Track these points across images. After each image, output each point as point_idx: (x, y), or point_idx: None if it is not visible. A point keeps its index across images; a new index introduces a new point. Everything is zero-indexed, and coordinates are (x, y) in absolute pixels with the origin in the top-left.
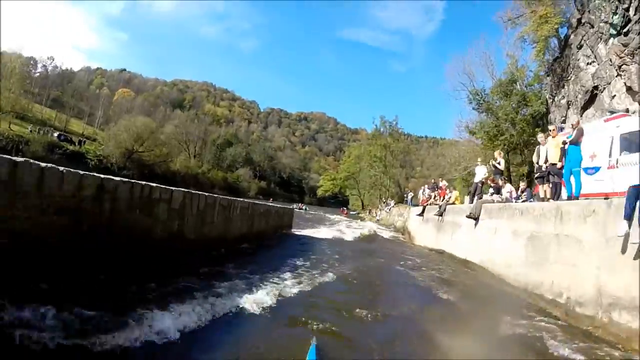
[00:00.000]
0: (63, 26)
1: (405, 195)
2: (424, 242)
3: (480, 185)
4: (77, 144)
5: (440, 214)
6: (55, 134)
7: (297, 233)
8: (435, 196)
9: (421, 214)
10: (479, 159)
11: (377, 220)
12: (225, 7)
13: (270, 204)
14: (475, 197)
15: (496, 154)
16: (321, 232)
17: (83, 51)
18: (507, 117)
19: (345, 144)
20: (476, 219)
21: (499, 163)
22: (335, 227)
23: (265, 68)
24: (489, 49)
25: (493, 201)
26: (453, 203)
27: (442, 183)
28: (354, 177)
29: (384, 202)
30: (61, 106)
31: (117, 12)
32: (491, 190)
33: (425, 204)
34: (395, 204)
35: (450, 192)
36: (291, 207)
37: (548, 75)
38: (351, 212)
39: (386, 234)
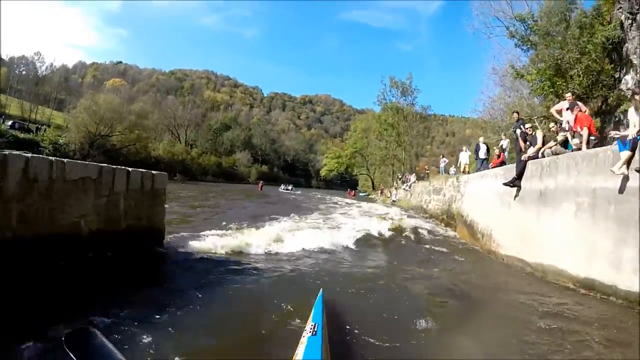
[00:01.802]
0: (62, 26)
1: (442, 163)
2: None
3: None
4: (34, 131)
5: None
6: (9, 122)
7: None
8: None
9: (515, 181)
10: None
11: (393, 202)
12: None
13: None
14: None
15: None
16: (287, 238)
17: (83, 49)
18: (576, 43)
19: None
20: None
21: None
22: (329, 217)
23: (269, 55)
24: None
25: None
26: None
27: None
28: (362, 153)
29: (399, 179)
30: (44, 100)
31: (116, 9)
32: None
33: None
34: (416, 180)
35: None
36: (279, 189)
37: None
38: (360, 194)
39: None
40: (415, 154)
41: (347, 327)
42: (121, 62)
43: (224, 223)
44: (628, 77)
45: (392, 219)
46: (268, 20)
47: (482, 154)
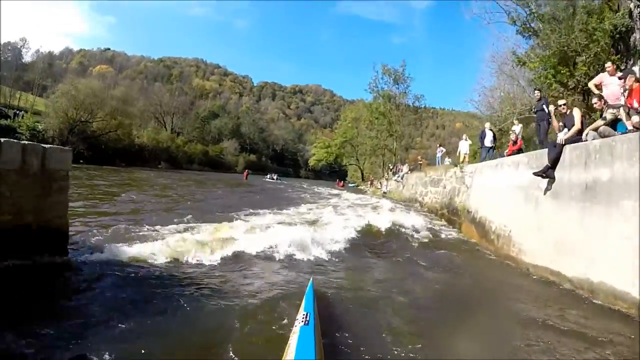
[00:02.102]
0: (50, 13)
1: (438, 153)
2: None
3: None
4: (12, 117)
5: None
6: None
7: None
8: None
9: (548, 170)
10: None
11: (384, 193)
12: None
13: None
14: None
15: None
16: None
17: (72, 37)
18: (584, 29)
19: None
20: None
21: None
22: (314, 211)
23: (260, 45)
24: None
25: None
26: None
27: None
28: (351, 143)
29: (390, 170)
30: (29, 87)
31: None
32: None
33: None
34: (409, 170)
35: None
36: (264, 178)
37: None
38: (349, 185)
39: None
40: (405, 147)
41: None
42: (109, 49)
43: (188, 217)
44: (635, 69)
45: (384, 212)
46: (260, 12)
47: (488, 141)
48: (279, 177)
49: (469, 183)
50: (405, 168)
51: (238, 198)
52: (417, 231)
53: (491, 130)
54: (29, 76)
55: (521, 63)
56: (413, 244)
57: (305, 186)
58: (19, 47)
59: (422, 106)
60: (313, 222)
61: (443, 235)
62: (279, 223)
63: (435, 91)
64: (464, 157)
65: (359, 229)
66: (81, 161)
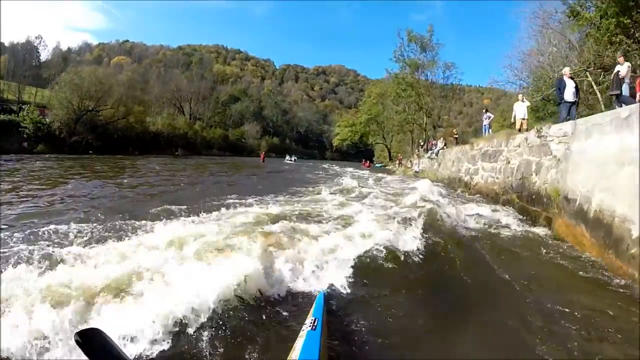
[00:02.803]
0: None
1: (485, 120)
2: None
3: None
4: (17, 111)
5: None
6: None
7: None
8: None
9: None
10: None
11: (416, 172)
12: None
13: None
14: None
15: None
16: None
17: (90, 32)
18: None
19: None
20: None
21: None
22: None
23: (280, 29)
24: None
25: None
26: None
27: None
28: (377, 120)
29: (422, 147)
30: (46, 83)
31: None
32: None
33: None
34: (445, 145)
35: None
36: (284, 160)
37: None
38: (376, 165)
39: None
40: (433, 124)
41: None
42: (127, 41)
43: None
44: None
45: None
46: None
47: (569, 94)
48: (297, 159)
49: (561, 153)
50: (440, 143)
51: (234, 182)
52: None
53: (572, 78)
54: (48, 72)
55: (574, 15)
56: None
57: (325, 166)
58: (35, 45)
59: (453, 76)
60: (324, 227)
61: (520, 242)
62: (238, 230)
63: (460, 68)
64: (521, 123)
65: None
66: (90, 152)
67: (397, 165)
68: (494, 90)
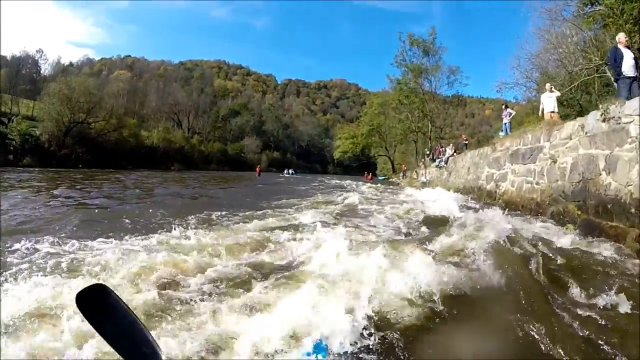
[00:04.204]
0: (70, 27)
1: (505, 117)
2: None
3: None
4: (6, 123)
5: None
6: None
7: None
8: None
9: None
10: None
11: (423, 183)
12: None
13: (286, 174)
14: None
15: None
16: None
17: (93, 47)
18: None
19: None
20: None
21: None
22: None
23: (281, 43)
24: None
25: None
26: None
27: None
28: (379, 131)
29: (427, 156)
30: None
31: (124, 5)
32: None
33: None
34: (455, 152)
35: None
36: (280, 174)
37: None
38: (379, 178)
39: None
40: (434, 136)
41: None
42: (129, 56)
43: None
44: None
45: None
46: (278, 10)
47: (628, 67)
48: (295, 173)
49: None
50: (449, 150)
51: (212, 197)
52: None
53: (628, 47)
54: (46, 86)
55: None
56: None
57: (326, 180)
58: (36, 59)
59: (458, 81)
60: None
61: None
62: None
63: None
64: (550, 117)
65: None
66: (80, 165)
67: (401, 177)
68: (495, 101)
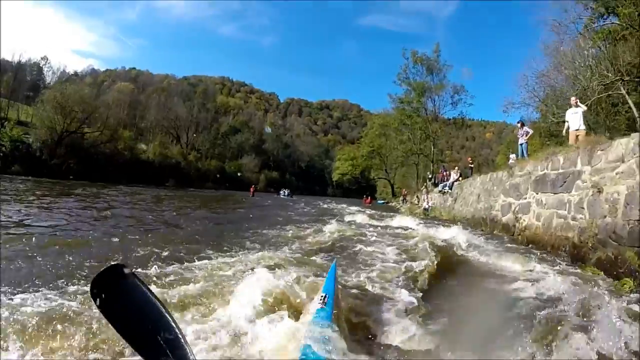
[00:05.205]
0: (78, 37)
1: (522, 136)
2: None
3: None
4: None
5: None
6: None
7: None
8: None
9: None
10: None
11: (425, 210)
12: (242, 5)
13: (282, 195)
14: None
15: None
16: None
17: (99, 58)
18: None
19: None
20: None
21: None
22: None
23: (286, 62)
24: None
25: None
26: None
27: None
28: (379, 153)
29: (429, 180)
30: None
31: (133, 17)
32: None
33: None
34: (460, 177)
35: None
36: (276, 195)
37: None
38: (378, 202)
39: None
40: (435, 159)
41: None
42: (134, 68)
43: None
44: None
45: None
46: (285, 29)
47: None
48: (290, 194)
49: None
50: (454, 174)
51: (169, 224)
52: None
53: None
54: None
55: (611, 8)
56: None
57: (321, 204)
58: (40, 65)
59: (462, 100)
60: None
61: None
62: None
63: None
64: (576, 137)
65: None
66: (71, 177)
67: (401, 202)
68: (496, 124)
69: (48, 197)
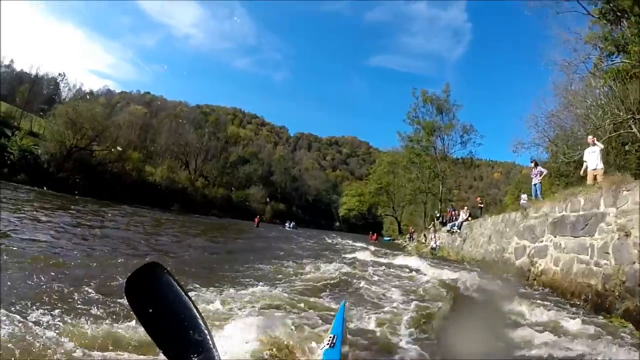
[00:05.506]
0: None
1: (535, 175)
2: None
3: None
4: (9, 137)
5: None
6: None
7: None
8: None
9: None
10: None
11: (432, 249)
12: (257, 40)
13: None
14: None
15: None
16: None
17: (115, 80)
18: None
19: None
20: None
21: None
22: None
23: (297, 97)
24: None
25: None
26: None
27: None
28: (387, 190)
29: (437, 219)
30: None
31: (152, 43)
32: None
33: None
34: (469, 217)
35: None
36: (281, 227)
37: None
38: (384, 239)
39: None
40: (443, 198)
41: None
42: (149, 93)
43: None
44: None
45: None
46: (297, 65)
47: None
48: (295, 226)
49: None
50: (463, 213)
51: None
52: None
53: None
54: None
55: (620, 47)
56: None
57: (325, 239)
58: (57, 80)
59: (472, 140)
60: None
61: None
62: None
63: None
64: (594, 177)
65: None
66: (76, 192)
67: (408, 240)
68: (504, 164)
69: (45, 210)
